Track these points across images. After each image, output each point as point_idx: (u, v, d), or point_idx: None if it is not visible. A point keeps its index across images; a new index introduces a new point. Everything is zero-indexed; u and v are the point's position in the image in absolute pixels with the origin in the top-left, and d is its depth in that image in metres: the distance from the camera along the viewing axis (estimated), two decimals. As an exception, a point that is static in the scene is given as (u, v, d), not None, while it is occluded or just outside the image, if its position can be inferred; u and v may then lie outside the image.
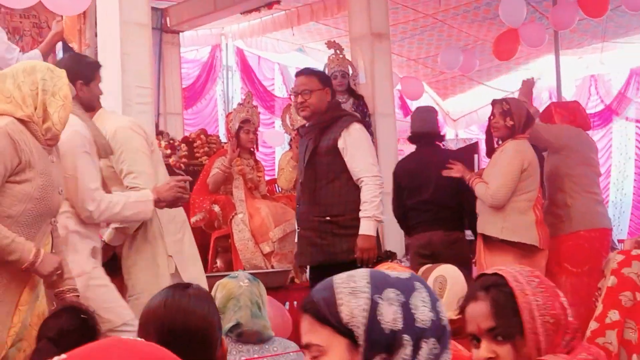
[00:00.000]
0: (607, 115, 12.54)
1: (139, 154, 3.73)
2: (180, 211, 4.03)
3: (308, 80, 4.61)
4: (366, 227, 4.42)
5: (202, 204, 6.01)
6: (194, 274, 3.85)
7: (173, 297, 2.03)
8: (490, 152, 5.07)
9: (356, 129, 4.58)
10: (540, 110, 5.98)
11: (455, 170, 4.97)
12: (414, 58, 11.30)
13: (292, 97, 4.86)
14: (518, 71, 11.70)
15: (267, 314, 2.84)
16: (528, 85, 5.50)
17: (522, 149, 4.77)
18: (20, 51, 4.77)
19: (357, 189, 4.50)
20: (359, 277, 1.45)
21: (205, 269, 6.15)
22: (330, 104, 4.65)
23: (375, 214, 4.44)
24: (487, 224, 4.82)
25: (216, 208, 5.92)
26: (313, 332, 1.45)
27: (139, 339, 1.04)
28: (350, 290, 1.42)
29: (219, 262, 5.95)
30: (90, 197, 3.44)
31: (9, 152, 2.89)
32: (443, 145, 12.05)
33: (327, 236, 4.50)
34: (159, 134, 7.61)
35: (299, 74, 4.85)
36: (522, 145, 4.79)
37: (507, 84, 12.56)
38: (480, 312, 1.80)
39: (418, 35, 10.46)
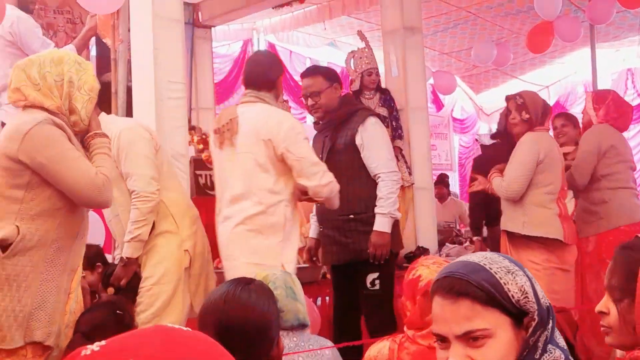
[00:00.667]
0: (644, 109, 12.34)
1: (140, 158, 3.72)
2: (192, 206, 4.03)
3: (314, 81, 4.54)
4: (381, 224, 4.39)
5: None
6: (203, 267, 3.86)
7: (235, 292, 2.03)
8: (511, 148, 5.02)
9: (372, 123, 4.53)
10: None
11: (477, 184, 4.94)
12: (447, 52, 11.21)
13: (303, 100, 4.79)
14: (553, 65, 11.57)
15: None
16: None
17: (538, 140, 4.65)
18: (54, 46, 4.80)
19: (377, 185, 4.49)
20: (494, 257, 1.48)
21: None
22: (342, 99, 4.59)
23: (391, 210, 4.42)
24: (509, 220, 4.74)
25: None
26: (476, 317, 1.43)
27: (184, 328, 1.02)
28: (506, 270, 1.43)
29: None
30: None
31: (66, 138, 2.92)
32: (476, 140, 11.96)
33: (352, 234, 4.47)
34: (192, 128, 7.62)
35: (304, 75, 4.75)
36: (539, 137, 4.67)
37: (541, 78, 12.43)
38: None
39: (451, 29, 10.37)
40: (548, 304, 1.46)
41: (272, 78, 4.00)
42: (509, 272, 1.44)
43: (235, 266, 3.75)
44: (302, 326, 2.74)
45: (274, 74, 4.02)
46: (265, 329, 2.00)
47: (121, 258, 3.67)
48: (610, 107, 5.18)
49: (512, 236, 4.70)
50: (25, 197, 2.85)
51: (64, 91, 2.97)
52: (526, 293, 1.43)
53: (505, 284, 1.43)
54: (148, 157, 3.74)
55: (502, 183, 4.65)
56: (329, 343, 2.75)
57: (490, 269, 1.44)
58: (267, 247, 3.77)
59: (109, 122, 3.71)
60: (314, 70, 4.80)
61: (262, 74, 4.00)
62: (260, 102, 3.92)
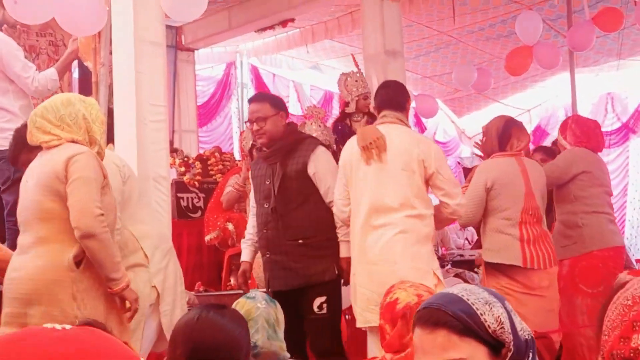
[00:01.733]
0: (623, 133, 12.48)
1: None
2: (165, 238, 4.03)
3: (261, 106, 4.53)
4: (346, 250, 4.38)
5: (216, 221, 6.01)
6: (169, 306, 3.82)
7: (207, 314, 2.07)
8: None
9: (322, 151, 4.58)
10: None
11: None
12: (429, 75, 11.29)
13: (247, 124, 4.80)
14: (534, 89, 11.68)
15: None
16: None
17: (486, 167, 4.67)
18: (36, 69, 4.79)
19: (327, 210, 4.46)
20: (474, 289, 1.48)
21: (220, 287, 6.17)
22: (287, 128, 4.59)
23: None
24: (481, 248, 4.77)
25: (230, 226, 5.92)
26: (453, 347, 1.45)
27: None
28: (484, 301, 1.44)
29: (232, 280, 5.93)
30: None
31: (100, 166, 3.30)
32: (459, 163, 12.01)
33: (302, 259, 4.42)
34: (173, 151, 7.62)
35: (251, 100, 4.76)
36: (489, 164, 4.69)
37: (522, 102, 12.53)
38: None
39: (433, 53, 10.46)
40: (528, 337, 1.46)
41: (405, 101, 4.38)
42: (486, 303, 1.45)
43: (395, 270, 3.93)
44: None
45: (406, 98, 4.40)
46: (235, 352, 2.01)
47: None
48: (573, 130, 5.25)
49: (485, 265, 4.71)
50: None
51: (83, 127, 3.34)
52: (502, 324, 1.44)
53: (482, 314, 1.45)
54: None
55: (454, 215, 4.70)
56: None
57: (468, 299, 1.45)
58: (422, 254, 4.07)
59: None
60: (261, 97, 4.87)
61: (397, 97, 4.35)
62: (399, 123, 4.26)
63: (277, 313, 2.79)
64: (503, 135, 4.73)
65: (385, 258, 4.05)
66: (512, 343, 1.44)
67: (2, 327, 3.23)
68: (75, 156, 3.22)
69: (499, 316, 1.44)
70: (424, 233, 4.10)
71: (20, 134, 3.95)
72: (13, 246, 4.53)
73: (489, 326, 1.44)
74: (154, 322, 3.77)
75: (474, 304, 1.45)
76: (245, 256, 4.77)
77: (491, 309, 1.45)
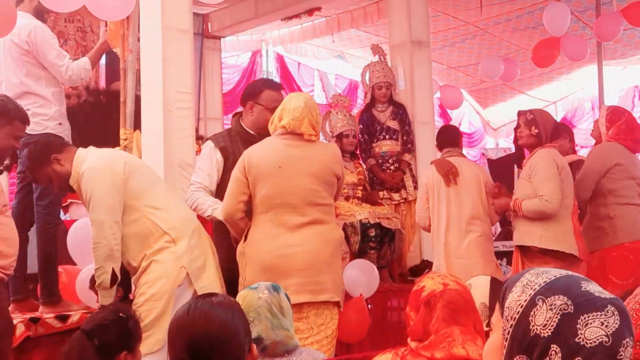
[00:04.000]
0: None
1: (97, 202, 3.79)
2: (191, 220, 4.06)
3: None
4: None
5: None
6: (207, 282, 3.87)
7: (196, 305, 2.08)
8: (521, 161, 5.07)
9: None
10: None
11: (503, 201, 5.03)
12: (455, 66, 11.25)
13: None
14: (560, 81, 11.59)
15: (291, 322, 2.83)
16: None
17: (552, 154, 4.72)
18: (69, 58, 4.84)
19: None
20: (549, 274, 1.43)
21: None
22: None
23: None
24: (525, 234, 4.75)
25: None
26: (497, 309, 1.48)
27: None
28: (526, 283, 1.42)
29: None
30: None
31: None
32: (483, 154, 11.97)
33: None
34: (199, 138, 7.66)
35: (279, 88, 4.69)
36: (552, 152, 4.75)
37: (548, 94, 12.44)
38: None
39: (459, 44, 10.41)
40: (578, 346, 1.37)
41: (459, 138, 5.65)
42: (525, 285, 1.41)
43: (476, 262, 5.00)
44: (293, 348, 2.75)
45: (460, 136, 5.73)
46: (231, 336, 2.04)
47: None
48: (621, 128, 5.18)
49: (528, 250, 4.73)
50: None
51: None
52: (510, 308, 1.41)
53: (509, 293, 1.44)
54: (102, 200, 3.79)
55: (541, 200, 4.64)
56: (323, 356, 2.76)
57: (523, 277, 1.45)
58: (491, 250, 5.27)
59: (79, 158, 3.90)
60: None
61: (455, 137, 5.60)
62: (461, 156, 5.43)
63: (281, 301, 2.80)
64: (555, 127, 4.97)
65: (471, 254, 5.07)
66: (507, 332, 1.40)
67: None
68: None
69: (514, 300, 1.40)
70: (490, 234, 5.30)
71: (31, 153, 4.04)
72: (41, 230, 4.60)
73: (504, 305, 1.43)
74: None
75: (518, 282, 1.44)
76: None
77: (518, 291, 1.41)
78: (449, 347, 2.26)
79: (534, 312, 1.37)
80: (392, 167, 6.56)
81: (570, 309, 1.35)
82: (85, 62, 4.89)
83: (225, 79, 10.95)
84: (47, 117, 4.71)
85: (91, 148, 4.04)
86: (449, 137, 5.59)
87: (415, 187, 6.60)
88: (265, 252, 3.72)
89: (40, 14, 4.90)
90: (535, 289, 1.40)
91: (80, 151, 3.96)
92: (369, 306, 5.28)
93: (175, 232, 3.86)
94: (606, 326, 1.32)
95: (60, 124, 4.78)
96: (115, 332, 2.70)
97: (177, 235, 3.85)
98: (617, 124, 5.19)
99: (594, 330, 1.32)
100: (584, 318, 1.34)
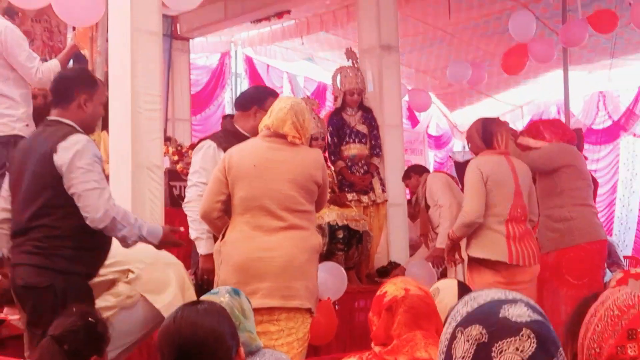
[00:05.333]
0: (614, 131, 12.53)
1: None
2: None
3: None
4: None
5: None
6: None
7: (182, 312, 2.13)
8: None
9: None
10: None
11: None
12: (423, 70, 11.33)
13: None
14: (527, 85, 11.73)
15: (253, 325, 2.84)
16: None
17: (479, 163, 4.71)
18: (38, 60, 4.82)
19: None
20: (475, 300, 1.42)
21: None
22: None
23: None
24: (465, 245, 4.82)
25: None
26: None
27: None
28: (454, 313, 1.41)
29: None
30: None
31: None
32: (450, 157, 12.05)
33: None
34: (167, 139, 7.64)
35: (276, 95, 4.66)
36: (480, 160, 4.73)
37: (515, 98, 12.58)
38: None
39: (427, 47, 10.49)
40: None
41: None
42: (452, 317, 1.41)
43: None
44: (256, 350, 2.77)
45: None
46: (217, 342, 2.08)
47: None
48: (548, 127, 5.39)
49: (469, 261, 4.78)
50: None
51: None
52: (442, 342, 1.41)
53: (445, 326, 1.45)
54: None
55: (460, 215, 4.72)
56: (286, 357, 2.79)
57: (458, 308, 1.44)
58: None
59: None
60: None
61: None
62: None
63: (242, 303, 2.82)
64: (485, 135, 4.81)
65: None
66: None
67: None
68: None
69: (444, 335, 1.40)
70: None
71: None
72: None
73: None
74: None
75: (454, 314, 1.43)
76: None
77: (448, 325, 1.40)
78: (412, 350, 2.30)
79: (454, 345, 1.37)
80: (361, 170, 6.61)
81: (485, 338, 1.33)
82: (55, 64, 4.87)
83: (194, 80, 10.92)
84: (14, 118, 4.69)
85: None
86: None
87: (384, 190, 6.66)
88: (240, 253, 3.71)
89: (10, 14, 4.88)
90: (457, 320, 1.39)
91: None
92: (336, 306, 5.30)
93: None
94: (521, 351, 1.32)
95: (27, 125, 4.77)
96: (85, 337, 2.70)
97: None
98: (545, 130, 5.35)
99: (508, 356, 1.31)
100: (499, 345, 1.32)
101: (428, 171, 6.84)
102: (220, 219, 3.84)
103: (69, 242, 3.30)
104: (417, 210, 6.67)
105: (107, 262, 3.55)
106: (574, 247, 5.08)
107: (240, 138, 4.21)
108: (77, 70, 3.76)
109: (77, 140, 3.26)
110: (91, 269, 3.45)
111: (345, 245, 5.88)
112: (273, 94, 4.41)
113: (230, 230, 3.80)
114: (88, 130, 3.50)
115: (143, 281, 3.71)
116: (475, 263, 4.69)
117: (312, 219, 3.92)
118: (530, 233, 4.77)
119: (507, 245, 4.59)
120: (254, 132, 4.19)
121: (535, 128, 5.51)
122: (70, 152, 3.23)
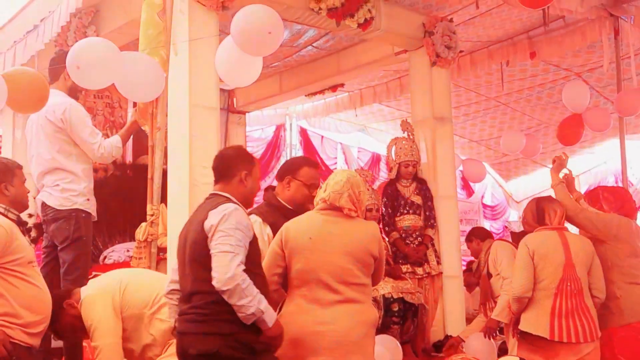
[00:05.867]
0: (674, 200, 12.25)
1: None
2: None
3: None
4: None
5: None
6: None
7: None
8: None
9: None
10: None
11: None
12: (476, 139, 11.32)
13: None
14: (583, 154, 11.60)
15: None
16: (560, 163, 5.52)
17: (527, 240, 4.81)
18: (101, 136, 4.96)
19: None
20: None
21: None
22: None
23: None
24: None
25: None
26: None
27: None
28: None
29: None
30: None
31: None
32: (506, 227, 11.87)
33: None
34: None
35: (317, 166, 4.68)
36: (528, 237, 4.85)
37: (571, 167, 12.41)
38: None
39: (480, 117, 10.49)
40: None
41: None
42: None
43: None
44: None
45: None
46: None
47: None
48: (607, 197, 5.26)
49: (520, 332, 4.77)
50: None
51: None
52: None
53: None
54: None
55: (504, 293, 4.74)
56: None
57: None
58: None
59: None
60: None
61: None
62: None
63: None
64: (537, 214, 4.94)
65: None
66: None
67: None
68: None
69: None
70: None
71: None
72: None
73: None
74: None
75: None
76: None
77: None
78: None
79: None
80: (415, 242, 6.58)
81: None
82: (117, 140, 5.02)
83: (250, 152, 11.04)
84: (76, 192, 4.81)
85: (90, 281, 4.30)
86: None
87: (439, 262, 6.60)
88: (296, 327, 3.68)
89: (74, 92, 5.05)
90: None
91: (82, 288, 4.17)
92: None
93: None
94: None
95: (88, 199, 4.88)
96: None
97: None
98: (603, 200, 5.26)
99: None
100: None
101: (491, 236, 6.74)
102: (276, 292, 3.83)
103: (227, 306, 3.36)
104: (478, 277, 6.56)
105: None
106: (624, 327, 4.90)
107: (281, 210, 4.24)
108: (237, 149, 3.98)
109: (226, 207, 3.43)
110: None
111: (401, 318, 5.82)
112: (308, 163, 4.43)
113: (287, 303, 3.80)
114: (247, 204, 3.69)
115: None
116: (524, 336, 4.67)
117: (368, 292, 3.86)
118: (586, 309, 4.66)
119: (550, 320, 4.56)
120: (292, 203, 4.25)
121: (596, 195, 5.41)
122: (217, 216, 3.39)
